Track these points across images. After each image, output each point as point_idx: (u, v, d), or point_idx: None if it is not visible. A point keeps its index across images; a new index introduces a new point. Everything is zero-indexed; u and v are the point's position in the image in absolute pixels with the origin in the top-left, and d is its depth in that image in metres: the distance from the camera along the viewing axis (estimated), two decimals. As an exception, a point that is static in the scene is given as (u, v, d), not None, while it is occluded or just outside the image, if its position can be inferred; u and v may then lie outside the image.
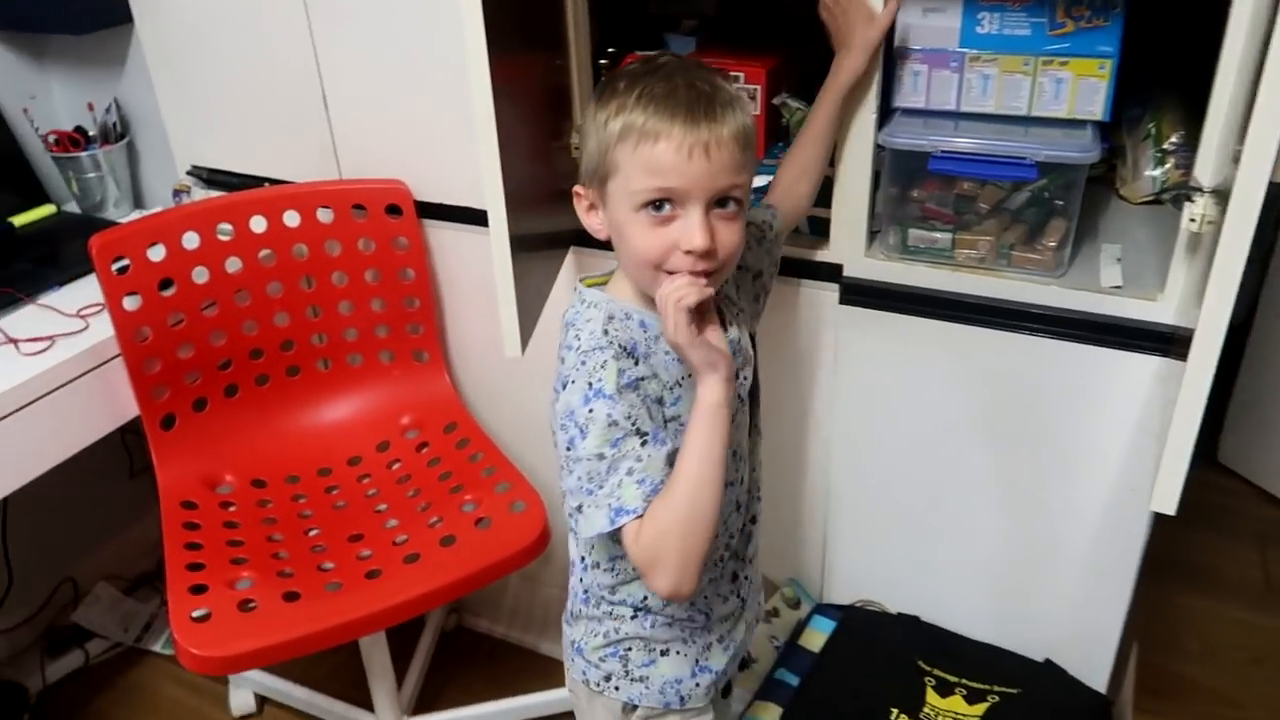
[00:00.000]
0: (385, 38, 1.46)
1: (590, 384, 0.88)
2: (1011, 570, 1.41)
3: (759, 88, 1.42)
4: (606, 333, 0.91)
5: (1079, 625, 1.38)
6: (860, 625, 1.48)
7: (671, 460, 0.89)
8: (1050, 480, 1.33)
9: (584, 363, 0.89)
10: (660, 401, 0.93)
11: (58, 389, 1.38)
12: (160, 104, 1.74)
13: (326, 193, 1.56)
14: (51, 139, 1.76)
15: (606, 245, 0.97)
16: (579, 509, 0.91)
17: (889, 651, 1.43)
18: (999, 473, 1.36)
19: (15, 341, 1.40)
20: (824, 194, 1.31)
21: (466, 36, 0.97)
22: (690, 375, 0.93)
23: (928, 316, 1.30)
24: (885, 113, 1.28)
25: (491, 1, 0.98)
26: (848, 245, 1.32)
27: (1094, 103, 1.21)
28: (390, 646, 1.54)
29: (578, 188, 0.96)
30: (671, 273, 0.89)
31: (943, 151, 1.23)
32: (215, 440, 1.54)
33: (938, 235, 1.29)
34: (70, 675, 1.90)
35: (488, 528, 1.40)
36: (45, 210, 1.77)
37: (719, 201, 0.89)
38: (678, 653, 1.05)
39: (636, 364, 0.91)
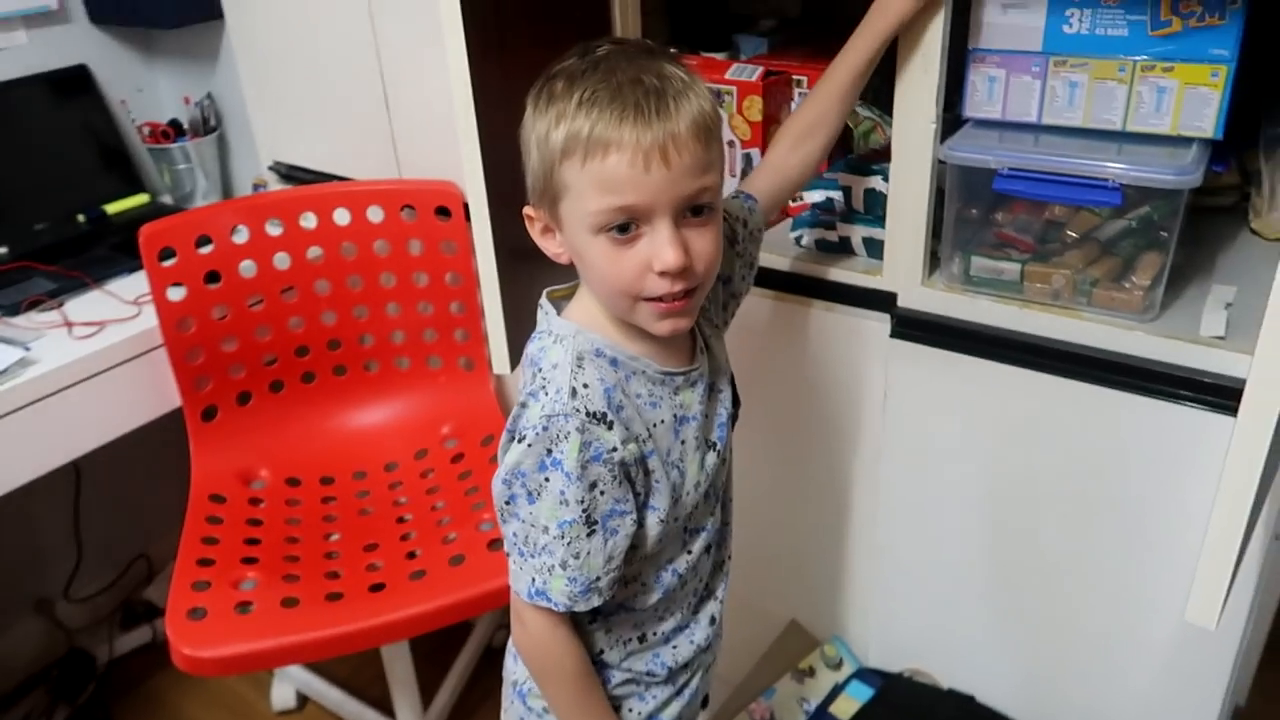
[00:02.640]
0: (438, 40, 1.42)
1: (549, 451, 0.79)
2: (1081, 655, 1.21)
3: (820, 92, 1.28)
4: (575, 392, 0.79)
5: (1161, 732, 1.17)
6: (902, 697, 1.32)
7: (617, 552, 0.82)
8: (1130, 556, 1.13)
9: (545, 427, 0.78)
10: (638, 461, 0.82)
11: (101, 373, 1.41)
12: (246, 99, 1.78)
13: (377, 192, 1.53)
14: (145, 130, 1.82)
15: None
16: (509, 555, 0.84)
17: (930, 734, 1.26)
18: (1072, 542, 1.17)
19: (70, 325, 1.43)
20: (882, 212, 1.17)
21: (444, 25, 0.89)
22: (664, 422, 0.84)
23: (992, 358, 1.13)
24: (954, 123, 1.13)
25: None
26: (903, 272, 1.17)
27: (1203, 117, 1.02)
28: (436, 656, 1.49)
29: (528, 209, 0.84)
30: (649, 299, 0.78)
31: (1010, 169, 1.06)
32: (256, 434, 1.54)
33: (1004, 266, 1.12)
34: (138, 650, 1.96)
35: (498, 550, 1.33)
36: (139, 199, 1.83)
37: (689, 209, 0.77)
38: (630, 709, 0.94)
39: (610, 428, 0.80)
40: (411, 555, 1.37)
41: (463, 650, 1.80)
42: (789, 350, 1.28)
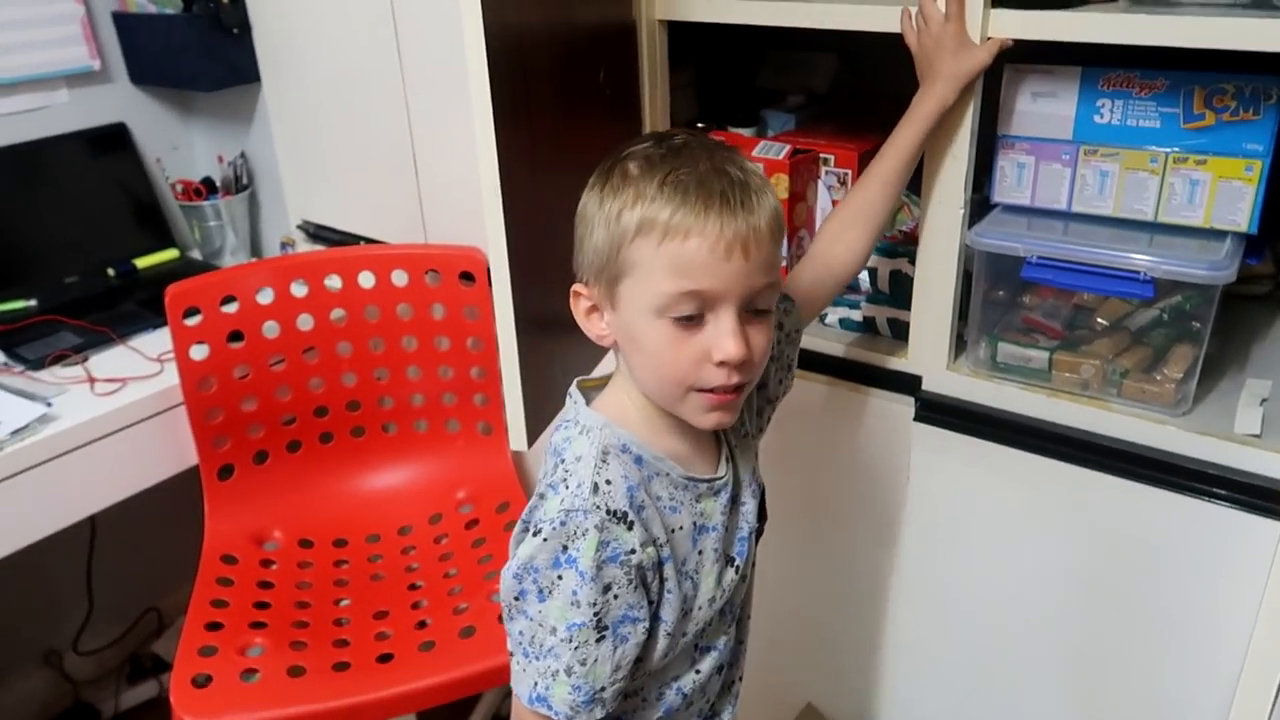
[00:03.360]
0: (468, 110, 1.44)
1: (565, 548, 0.76)
2: (1111, 763, 1.16)
3: (850, 171, 1.28)
4: (596, 488, 0.77)
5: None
6: (922, 794, 1.27)
7: (625, 661, 0.79)
8: (1163, 656, 1.09)
9: (564, 522, 0.76)
10: (655, 566, 0.80)
11: (121, 430, 1.41)
12: (278, 159, 1.80)
13: (401, 256, 1.54)
14: (178, 188, 1.84)
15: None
16: (512, 654, 0.81)
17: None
18: (1102, 639, 1.13)
19: (93, 380, 1.44)
20: (908, 295, 1.16)
21: (474, 106, 0.90)
22: (682, 528, 0.82)
23: (1017, 446, 1.11)
24: (981, 205, 1.12)
25: (516, 76, 0.91)
26: (928, 355, 1.15)
27: (1237, 211, 1.00)
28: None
29: (577, 286, 0.82)
30: (702, 390, 0.77)
31: (1039, 258, 1.05)
32: (271, 495, 1.54)
33: (1032, 353, 1.10)
34: (143, 704, 1.94)
35: (510, 624, 1.30)
36: (169, 254, 1.85)
37: (752, 305, 0.77)
38: None
39: (630, 529, 0.77)
40: (422, 625, 1.34)
41: (473, 717, 1.76)
42: (811, 430, 1.26)
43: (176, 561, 2.02)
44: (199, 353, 1.45)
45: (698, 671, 0.88)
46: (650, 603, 0.80)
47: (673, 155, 0.76)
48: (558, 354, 1.07)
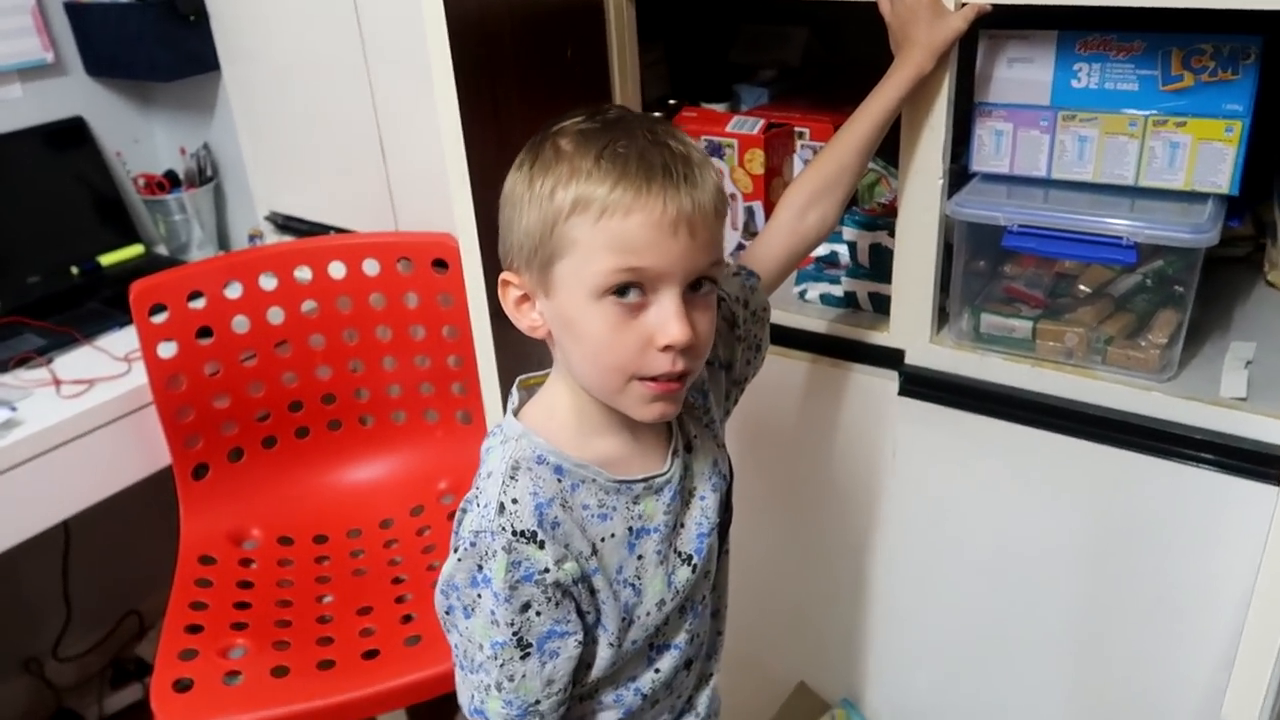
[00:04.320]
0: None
1: (480, 567, 0.73)
2: (1101, 730, 1.16)
3: (825, 145, 1.26)
4: (503, 508, 0.73)
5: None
6: (916, 769, 1.27)
7: (558, 675, 0.76)
8: (1153, 625, 1.08)
9: (473, 543, 0.73)
10: (580, 580, 0.76)
11: (90, 432, 1.38)
12: (243, 150, 1.76)
13: (372, 245, 1.51)
14: (140, 182, 1.80)
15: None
16: (454, 663, 0.79)
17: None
18: (1090, 608, 1.13)
19: (59, 383, 1.41)
20: (889, 268, 1.14)
21: (436, 87, 0.87)
22: (614, 536, 0.77)
23: (1002, 418, 1.10)
24: (959, 176, 1.10)
25: (479, 54, 0.89)
26: (910, 329, 1.14)
27: (1218, 172, 0.99)
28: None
29: (505, 275, 0.76)
30: (644, 379, 0.72)
31: (1019, 226, 1.03)
32: (248, 493, 1.51)
33: (1015, 323, 1.09)
34: (128, 708, 1.92)
35: (496, 615, 1.28)
36: (133, 250, 1.81)
37: (693, 284, 0.72)
38: None
39: (541, 547, 0.73)
40: (407, 619, 1.33)
41: (458, 715, 1.75)
42: (794, 407, 1.25)
43: (155, 563, 1.98)
44: (167, 350, 1.41)
45: (657, 671, 0.84)
46: (585, 614, 0.77)
47: (608, 129, 0.71)
48: (528, 344, 1.05)
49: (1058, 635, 1.16)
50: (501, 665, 0.74)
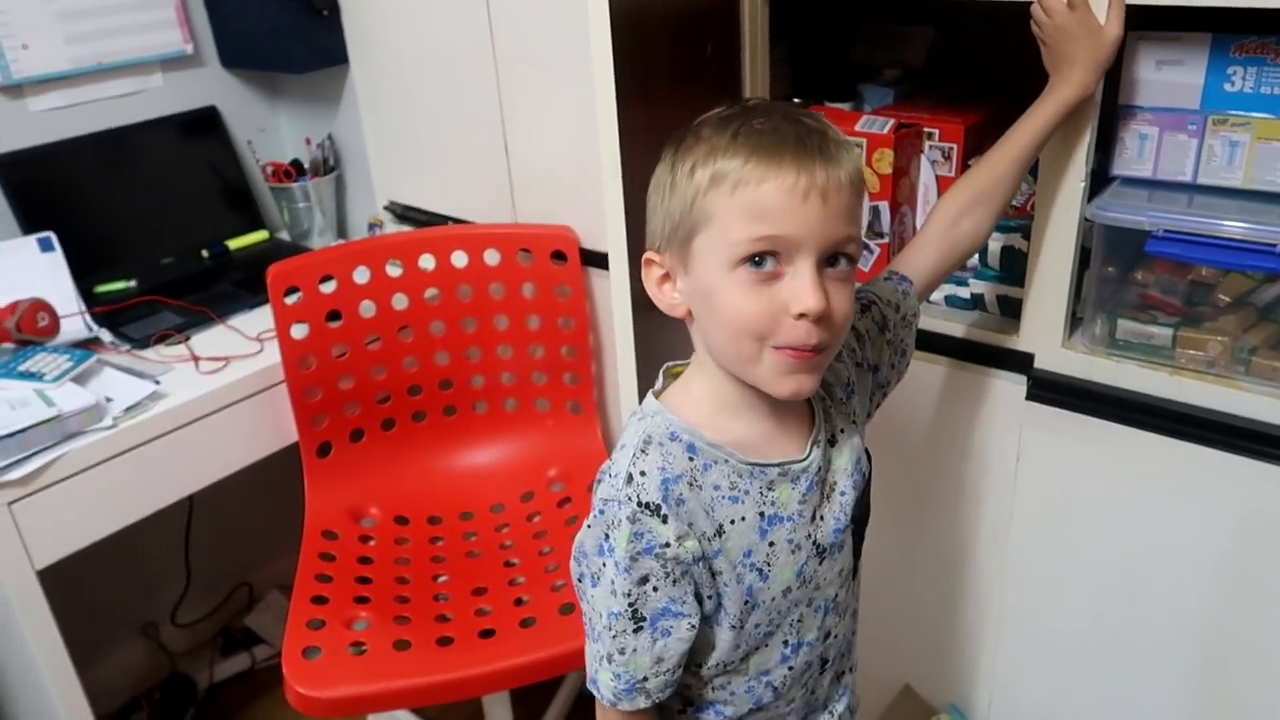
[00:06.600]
0: (561, 89, 1.44)
1: (606, 535, 0.76)
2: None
3: (955, 146, 1.25)
4: (630, 479, 0.75)
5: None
6: (1026, 778, 1.25)
7: (669, 654, 0.78)
8: (1285, 648, 1.06)
9: (602, 511, 0.76)
10: (701, 559, 0.77)
11: (226, 407, 1.44)
12: (366, 141, 1.82)
13: (494, 235, 1.55)
14: (269, 170, 1.87)
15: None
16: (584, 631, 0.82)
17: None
18: (1215, 629, 1.10)
19: (197, 359, 1.47)
20: (1019, 271, 1.13)
21: (596, 81, 0.89)
22: (743, 519, 0.78)
23: (1136, 426, 1.08)
24: (1101, 180, 1.09)
25: (635, 50, 0.91)
26: (1042, 333, 1.13)
27: (1378, 180, 0.96)
28: (530, 699, 1.47)
29: (649, 254, 0.79)
30: (779, 348, 0.72)
31: (1165, 231, 1.01)
32: (367, 472, 1.56)
33: (1154, 330, 1.07)
34: (236, 676, 1.99)
35: (609, 601, 1.31)
36: (259, 236, 1.88)
37: (829, 259, 0.73)
38: None
39: (664, 521, 0.75)
40: (519, 602, 1.36)
41: (558, 694, 1.78)
42: (918, 408, 1.24)
43: (266, 537, 2.07)
44: (299, 332, 1.47)
45: (790, 667, 0.85)
46: (708, 598, 0.79)
47: (746, 112, 0.74)
48: (664, 335, 1.07)
49: (1181, 652, 1.14)
50: (615, 636, 0.77)
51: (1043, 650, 1.26)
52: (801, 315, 0.71)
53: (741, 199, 0.70)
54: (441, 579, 1.43)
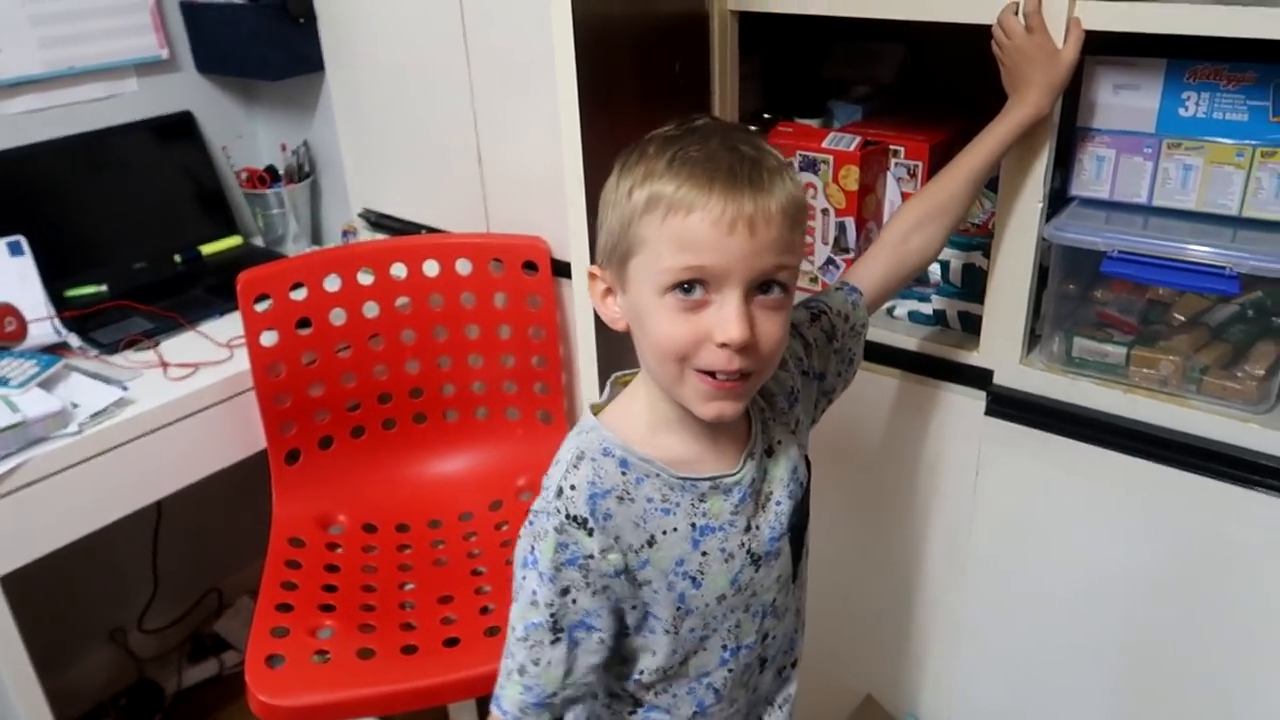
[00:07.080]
0: (535, 100, 1.45)
1: (532, 547, 0.78)
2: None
3: (920, 164, 1.27)
4: (560, 492, 0.77)
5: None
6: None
7: (577, 667, 0.79)
8: (1244, 664, 1.08)
9: (531, 523, 0.78)
10: (624, 572, 0.78)
11: (195, 414, 1.43)
12: (342, 148, 1.82)
13: (466, 245, 1.56)
14: (244, 176, 1.87)
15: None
16: None
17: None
18: (1168, 643, 1.12)
19: (166, 365, 1.47)
20: (980, 288, 1.15)
21: (560, 93, 0.90)
22: (675, 530, 0.79)
23: (1091, 442, 1.10)
24: (1059, 201, 1.11)
25: (599, 63, 0.92)
26: (1001, 349, 1.15)
27: (1326, 205, 0.98)
28: None
29: (592, 268, 0.81)
30: (701, 372, 0.74)
31: (1120, 252, 1.04)
32: (335, 479, 1.56)
33: (1109, 349, 1.09)
34: (205, 682, 1.98)
35: (574, 611, 1.31)
36: (232, 241, 1.88)
37: (761, 286, 0.73)
38: None
39: (590, 534, 0.76)
40: (485, 610, 1.36)
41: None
42: (879, 422, 1.26)
43: (237, 543, 2.06)
44: (269, 339, 1.47)
45: (730, 669, 0.87)
46: (628, 609, 0.80)
47: (687, 135, 0.75)
48: (628, 345, 1.08)
49: (1135, 665, 1.16)
50: (530, 647, 0.78)
51: (1001, 661, 1.28)
52: (724, 344, 0.72)
53: (671, 228, 0.72)
54: (408, 587, 1.43)
